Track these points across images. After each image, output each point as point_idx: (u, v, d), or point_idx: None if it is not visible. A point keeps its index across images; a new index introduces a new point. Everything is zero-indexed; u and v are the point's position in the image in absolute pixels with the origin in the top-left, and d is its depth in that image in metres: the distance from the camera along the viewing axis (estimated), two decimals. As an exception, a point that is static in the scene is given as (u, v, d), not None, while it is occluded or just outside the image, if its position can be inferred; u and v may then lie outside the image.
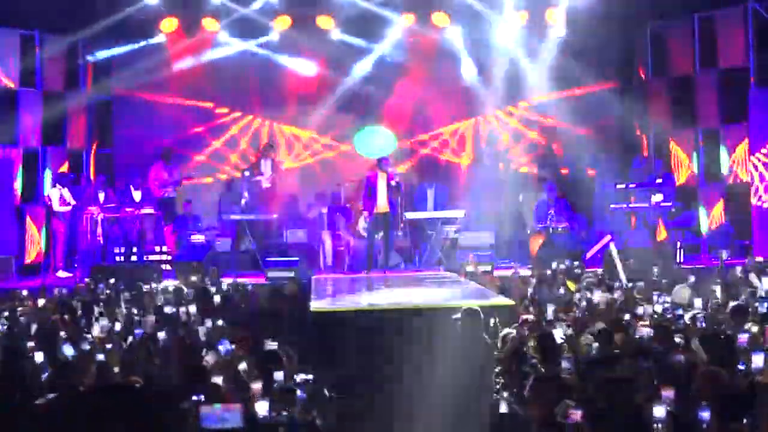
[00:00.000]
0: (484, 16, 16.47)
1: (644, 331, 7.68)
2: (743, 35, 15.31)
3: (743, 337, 6.98)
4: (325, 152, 17.76)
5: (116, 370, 6.93)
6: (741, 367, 6.33)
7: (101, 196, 15.12)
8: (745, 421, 5.09)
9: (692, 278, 10.94)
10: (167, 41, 16.47)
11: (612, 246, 10.68)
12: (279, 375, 6.47)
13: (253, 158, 16.81)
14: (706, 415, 5.08)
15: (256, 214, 15.33)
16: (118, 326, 9.04)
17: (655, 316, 8.84)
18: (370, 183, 14.09)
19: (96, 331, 8.73)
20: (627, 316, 8.65)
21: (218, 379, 6.26)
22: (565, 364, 6.49)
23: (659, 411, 5.01)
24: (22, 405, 5.67)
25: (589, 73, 16.48)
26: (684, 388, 5.51)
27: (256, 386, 6.20)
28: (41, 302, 10.62)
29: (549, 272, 12.30)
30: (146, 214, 14.91)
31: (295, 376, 6.63)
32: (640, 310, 8.94)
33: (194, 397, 5.74)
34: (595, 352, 7.23)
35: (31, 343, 7.83)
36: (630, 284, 10.76)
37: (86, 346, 7.83)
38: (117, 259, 14.51)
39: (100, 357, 7.23)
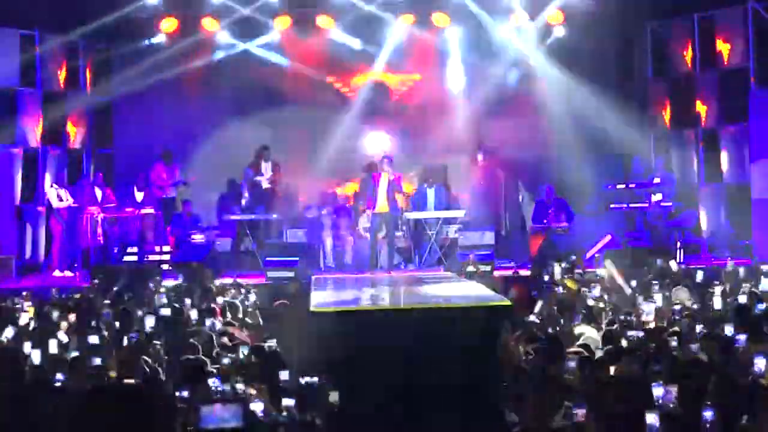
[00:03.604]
0: (484, 17, 16.52)
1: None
2: (743, 35, 15.30)
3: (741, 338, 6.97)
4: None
5: (113, 371, 6.92)
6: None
7: (99, 194, 15.11)
8: (744, 421, 5.09)
9: (693, 280, 10.97)
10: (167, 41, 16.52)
11: (608, 264, 10.66)
12: (284, 375, 6.48)
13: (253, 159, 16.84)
14: (708, 414, 5.07)
15: (257, 214, 15.34)
16: (117, 327, 9.04)
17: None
18: (374, 182, 14.13)
19: (95, 331, 8.72)
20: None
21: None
22: (570, 365, 6.47)
23: (651, 418, 5.00)
24: (21, 405, 5.67)
25: (588, 73, 16.48)
26: (686, 388, 5.50)
27: (257, 387, 6.20)
28: (40, 302, 10.62)
29: (548, 272, 12.30)
30: (146, 214, 14.92)
31: (299, 378, 6.63)
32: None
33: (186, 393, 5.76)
34: (600, 353, 7.23)
35: (28, 344, 7.82)
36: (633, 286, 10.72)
37: (85, 347, 7.83)
38: (117, 259, 14.51)
39: (98, 359, 7.21)
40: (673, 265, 12.39)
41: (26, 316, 9.83)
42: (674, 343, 7.11)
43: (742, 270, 11.51)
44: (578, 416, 5.18)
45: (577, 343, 7.62)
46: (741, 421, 5.11)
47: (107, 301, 10.81)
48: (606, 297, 10.32)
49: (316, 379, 6.56)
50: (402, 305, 10.12)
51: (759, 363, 6.16)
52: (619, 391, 5.44)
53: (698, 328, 7.97)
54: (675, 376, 5.81)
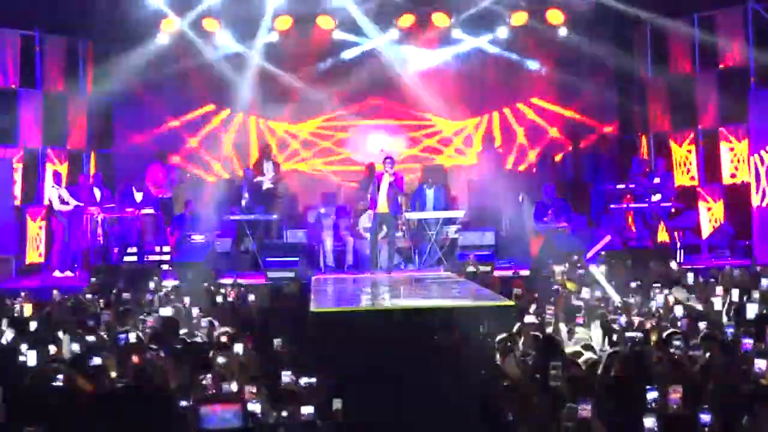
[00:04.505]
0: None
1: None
2: (743, 35, 15.31)
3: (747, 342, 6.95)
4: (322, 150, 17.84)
5: (113, 372, 6.91)
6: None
7: (97, 194, 15.11)
8: (744, 421, 5.09)
9: (689, 279, 10.97)
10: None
11: (593, 268, 10.60)
12: (286, 376, 6.48)
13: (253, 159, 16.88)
14: (706, 418, 5.07)
15: (257, 214, 15.34)
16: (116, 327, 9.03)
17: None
18: (377, 183, 14.15)
19: (94, 331, 8.71)
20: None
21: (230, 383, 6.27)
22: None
23: (649, 422, 4.99)
24: (21, 406, 5.67)
25: (589, 72, 16.50)
26: (687, 389, 5.50)
27: (257, 387, 6.20)
28: (40, 303, 10.61)
29: (548, 273, 12.30)
30: (146, 214, 14.92)
31: (298, 379, 6.63)
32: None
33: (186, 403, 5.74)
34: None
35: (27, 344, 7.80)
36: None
37: (84, 347, 7.82)
38: (117, 259, 14.50)
39: (97, 359, 7.20)
40: (673, 265, 12.39)
41: (26, 317, 9.81)
42: (675, 344, 7.09)
43: (737, 271, 11.48)
44: (582, 412, 5.18)
45: (577, 342, 7.62)
46: (742, 421, 5.10)
47: (107, 302, 10.80)
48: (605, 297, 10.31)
49: (314, 379, 6.55)
50: (402, 305, 10.12)
51: (759, 363, 6.16)
52: (619, 392, 5.45)
53: (699, 328, 7.96)
54: (675, 377, 5.81)
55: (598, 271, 10.52)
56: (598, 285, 10.35)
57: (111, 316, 9.54)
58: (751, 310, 8.43)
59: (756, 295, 9.43)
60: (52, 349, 7.75)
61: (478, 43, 17.00)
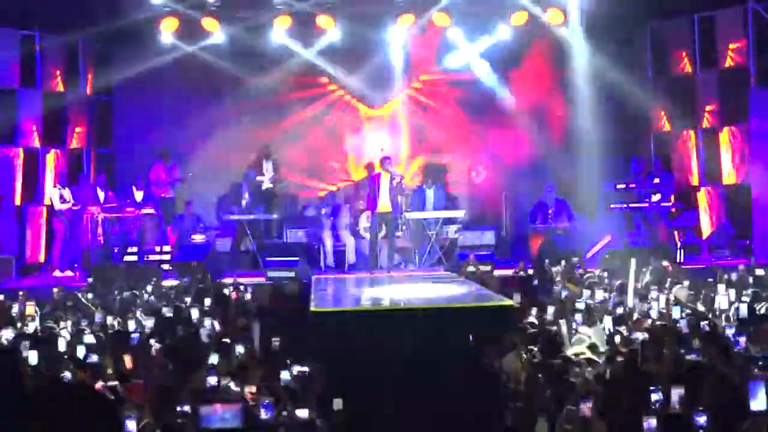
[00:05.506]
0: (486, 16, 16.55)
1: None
2: (743, 35, 15.32)
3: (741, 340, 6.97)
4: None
5: (110, 370, 6.92)
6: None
7: (101, 195, 15.12)
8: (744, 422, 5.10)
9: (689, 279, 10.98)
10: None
11: (633, 264, 10.47)
12: (284, 375, 6.49)
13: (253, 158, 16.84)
14: (702, 419, 5.07)
15: (256, 214, 15.34)
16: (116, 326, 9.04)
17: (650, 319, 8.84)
18: (374, 183, 14.12)
19: (92, 330, 8.72)
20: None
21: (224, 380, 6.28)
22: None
23: (649, 422, 5.00)
24: (21, 406, 5.66)
25: (588, 73, 16.49)
26: (688, 390, 5.50)
27: (257, 387, 6.21)
28: (40, 303, 10.62)
29: (548, 273, 12.30)
30: (146, 214, 14.92)
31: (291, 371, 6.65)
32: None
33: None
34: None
35: (27, 344, 7.81)
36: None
37: (84, 347, 7.82)
38: (117, 259, 14.50)
39: (95, 357, 7.22)
40: (670, 264, 12.38)
41: (26, 317, 9.83)
42: (674, 344, 7.10)
43: (734, 274, 11.48)
44: (583, 410, 5.18)
45: (582, 344, 7.61)
46: (742, 422, 5.10)
47: (106, 302, 10.81)
48: (607, 297, 10.31)
49: (306, 369, 6.55)
50: (402, 305, 10.12)
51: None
52: (620, 392, 5.44)
53: (698, 328, 7.96)
54: (675, 378, 5.81)
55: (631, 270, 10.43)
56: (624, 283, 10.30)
57: (110, 316, 9.55)
58: (749, 310, 8.45)
59: (753, 294, 9.45)
60: (53, 348, 7.76)
61: (477, 44, 16.95)
